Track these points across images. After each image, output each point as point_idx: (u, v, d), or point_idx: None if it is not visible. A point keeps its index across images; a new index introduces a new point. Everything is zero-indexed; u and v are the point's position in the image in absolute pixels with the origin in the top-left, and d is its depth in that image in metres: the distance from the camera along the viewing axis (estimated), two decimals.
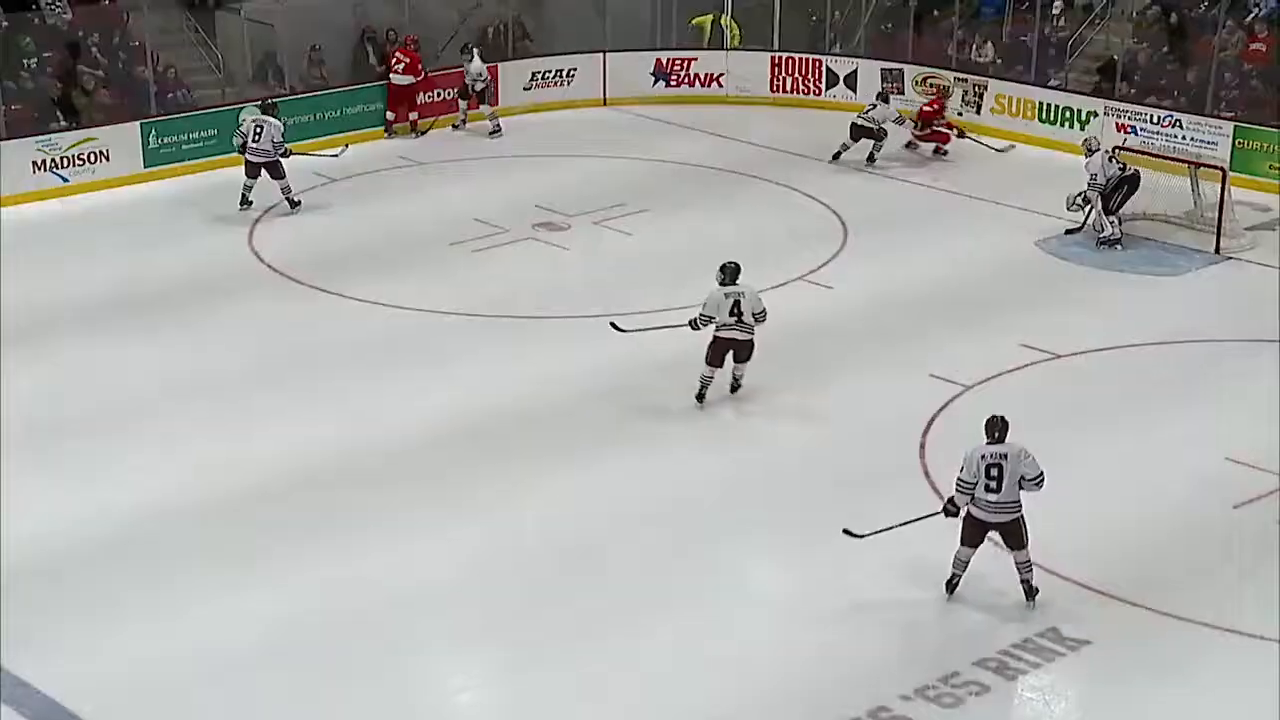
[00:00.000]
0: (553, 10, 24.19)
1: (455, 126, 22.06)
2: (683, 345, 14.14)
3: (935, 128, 20.72)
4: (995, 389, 13.70)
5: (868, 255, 17.29)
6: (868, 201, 19.04)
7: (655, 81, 23.65)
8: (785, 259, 16.86)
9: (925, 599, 10.61)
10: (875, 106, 20.50)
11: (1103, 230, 17.34)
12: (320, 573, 10.93)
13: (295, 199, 18.61)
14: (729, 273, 13.36)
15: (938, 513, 10.59)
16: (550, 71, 23.34)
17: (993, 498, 10.32)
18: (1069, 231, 17.65)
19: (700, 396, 13.53)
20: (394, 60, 21.48)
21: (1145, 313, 15.69)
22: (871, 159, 20.34)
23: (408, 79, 21.50)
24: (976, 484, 10.32)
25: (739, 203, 19.20)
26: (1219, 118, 19.95)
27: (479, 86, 21.88)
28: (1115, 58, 21.55)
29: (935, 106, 21.00)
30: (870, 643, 10.17)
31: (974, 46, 22.79)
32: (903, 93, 22.51)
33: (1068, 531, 11.42)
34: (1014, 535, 10.43)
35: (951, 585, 10.65)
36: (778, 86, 23.51)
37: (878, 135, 20.29)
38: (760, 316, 13.31)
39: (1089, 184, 17.50)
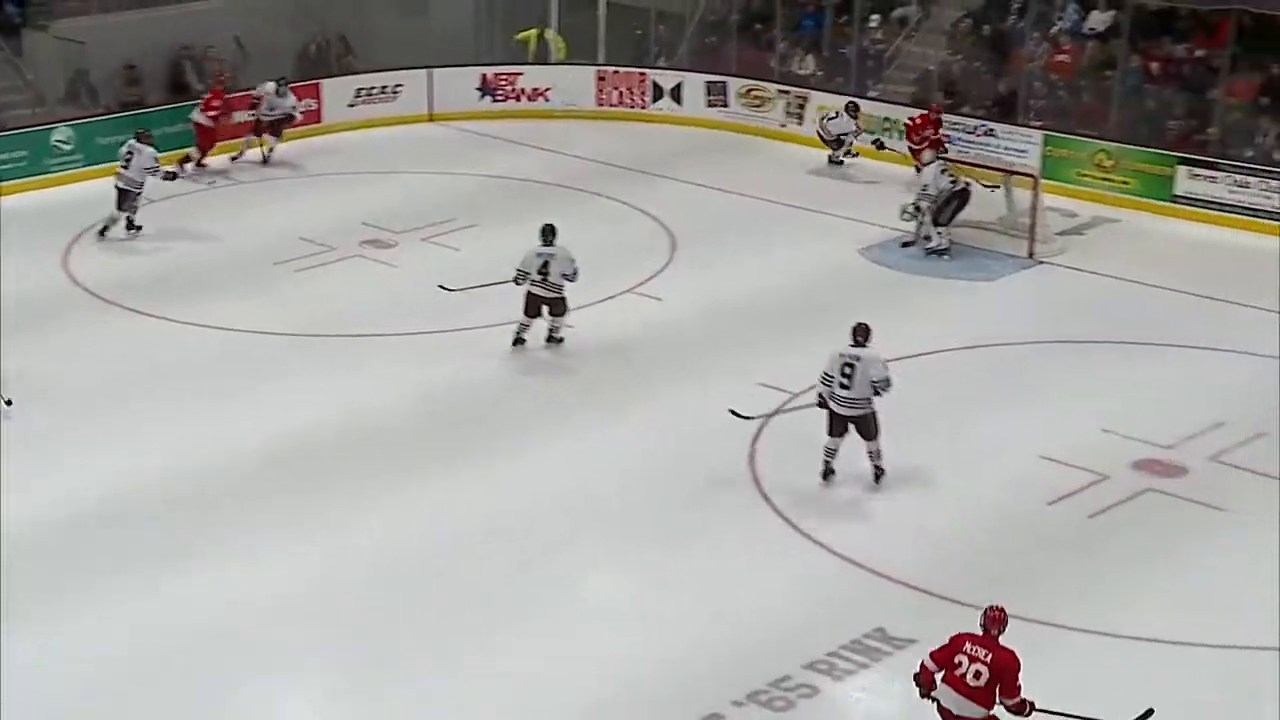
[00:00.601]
0: (376, 26, 24.03)
1: (234, 158, 21.28)
2: (517, 364, 14.22)
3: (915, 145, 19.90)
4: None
5: (696, 266, 17.49)
6: (696, 213, 19.27)
7: (481, 96, 23.64)
8: (615, 272, 16.97)
9: (754, 604, 10.76)
10: (837, 116, 20.82)
11: (930, 240, 17.76)
12: (153, 600, 10.73)
13: (137, 224, 18.14)
14: (545, 234, 14.59)
15: (804, 406, 12.26)
16: (375, 87, 23.18)
17: (845, 394, 11.85)
18: (905, 244, 17.86)
19: (516, 342, 14.68)
20: (209, 100, 20.76)
21: (963, 317, 16.13)
22: (835, 161, 20.86)
23: (208, 121, 20.75)
24: (834, 379, 11.80)
25: (567, 216, 19.01)
26: (1030, 127, 20.61)
27: (273, 118, 21.18)
28: (930, 69, 22.14)
29: (922, 122, 20.07)
30: (701, 650, 10.27)
31: (795, 59, 23.23)
32: (726, 105, 22.85)
33: (890, 533, 11.70)
34: (865, 428, 11.98)
35: (826, 474, 12.18)
36: (604, 100, 23.67)
37: (834, 145, 20.77)
38: (570, 277, 14.40)
39: (920, 194, 17.90)
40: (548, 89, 23.73)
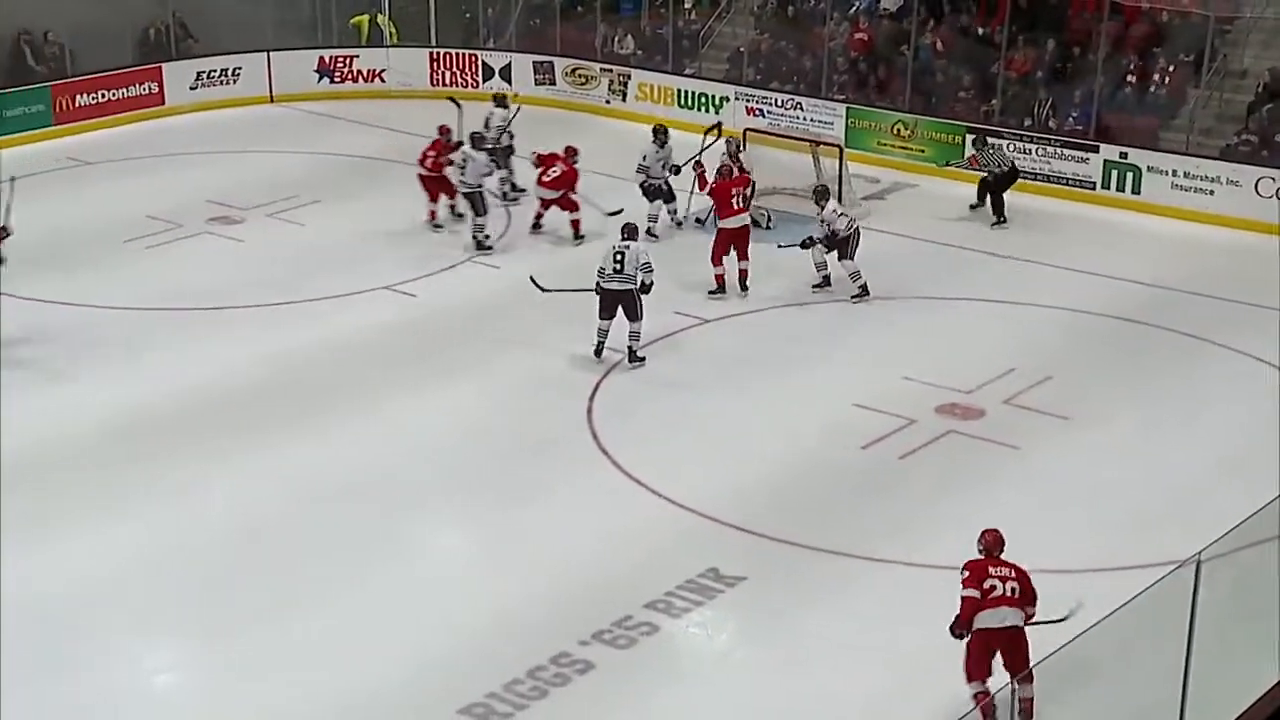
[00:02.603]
0: (215, 10, 23.28)
1: None
2: (364, 332, 13.97)
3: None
4: (652, 352, 14.00)
5: (533, 238, 17.37)
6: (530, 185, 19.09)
7: (320, 78, 23.11)
8: (453, 241, 16.79)
9: (596, 551, 10.77)
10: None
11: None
12: (60, 549, 10.50)
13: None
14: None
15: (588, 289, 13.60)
16: (215, 71, 22.51)
17: (615, 277, 13.51)
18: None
19: (597, 351, 13.71)
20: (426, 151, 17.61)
21: (778, 278, 16.08)
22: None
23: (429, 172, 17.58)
24: (606, 266, 13.51)
25: (407, 191, 18.88)
26: (834, 100, 20.87)
27: None
28: (741, 49, 22.27)
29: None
30: (547, 596, 10.24)
31: (616, 39, 23.16)
32: (554, 83, 22.71)
33: (718, 478, 11.79)
34: (630, 307, 13.56)
35: (598, 350, 13.64)
36: (438, 80, 23.32)
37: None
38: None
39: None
40: (383, 70, 23.31)
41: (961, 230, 17.71)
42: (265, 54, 22.77)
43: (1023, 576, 8.83)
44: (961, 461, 12.18)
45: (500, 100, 18.98)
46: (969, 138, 18.89)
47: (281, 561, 10.59)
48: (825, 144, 18.77)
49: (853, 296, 15.43)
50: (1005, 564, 8.87)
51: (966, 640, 8.76)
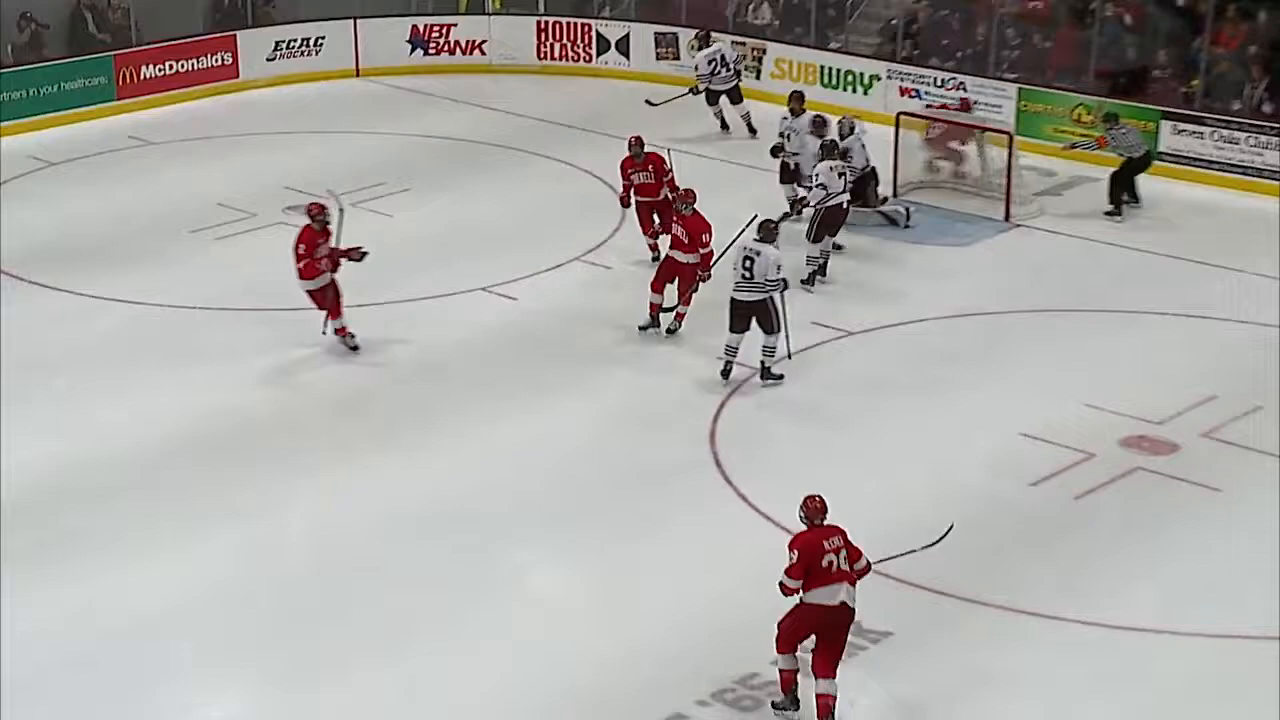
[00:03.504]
0: None
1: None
2: (457, 338, 14.10)
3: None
4: (785, 368, 13.92)
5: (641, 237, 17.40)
6: None
7: (412, 50, 23.44)
8: (560, 238, 16.89)
9: (719, 596, 10.72)
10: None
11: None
12: (53, 599, 10.60)
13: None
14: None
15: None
16: (295, 40, 22.93)
17: (744, 286, 13.41)
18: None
19: (724, 371, 13.72)
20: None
21: (935, 285, 16.11)
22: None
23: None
24: (736, 270, 13.42)
25: (507, 179, 19.14)
26: (1003, 80, 20.64)
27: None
28: (895, 19, 22.12)
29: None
30: (662, 645, 10.24)
31: (750, 8, 23.13)
32: (677, 58, 22.75)
33: (859, 517, 11.55)
34: (765, 319, 13.43)
35: (725, 372, 13.58)
36: (545, 53, 23.52)
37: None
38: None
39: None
40: (483, 41, 23.55)
41: (1155, 232, 17.42)
42: (351, 21, 23.14)
43: (847, 541, 9.49)
44: (1150, 504, 11.95)
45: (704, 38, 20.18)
46: (1163, 124, 18.59)
47: (363, 596, 10.72)
48: (992, 130, 18.59)
49: (802, 281, 15.54)
50: (832, 531, 9.48)
51: (792, 609, 9.42)
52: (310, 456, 12.55)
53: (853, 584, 9.39)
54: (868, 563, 9.55)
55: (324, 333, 14.18)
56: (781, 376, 13.80)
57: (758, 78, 22.25)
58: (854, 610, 9.39)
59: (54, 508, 11.72)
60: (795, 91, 18.01)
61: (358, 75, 23.20)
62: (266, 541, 11.39)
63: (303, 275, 14.02)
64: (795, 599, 9.41)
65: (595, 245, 16.94)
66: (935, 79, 20.89)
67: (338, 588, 10.82)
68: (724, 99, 20.54)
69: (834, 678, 9.36)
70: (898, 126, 18.64)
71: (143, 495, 11.94)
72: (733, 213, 14.81)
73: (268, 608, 10.61)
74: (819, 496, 9.54)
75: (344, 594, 10.75)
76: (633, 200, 16.32)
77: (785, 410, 13.50)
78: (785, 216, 16.01)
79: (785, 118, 17.57)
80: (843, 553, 9.42)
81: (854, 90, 21.42)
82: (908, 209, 17.78)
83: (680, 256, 14.56)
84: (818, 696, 9.37)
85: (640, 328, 14.70)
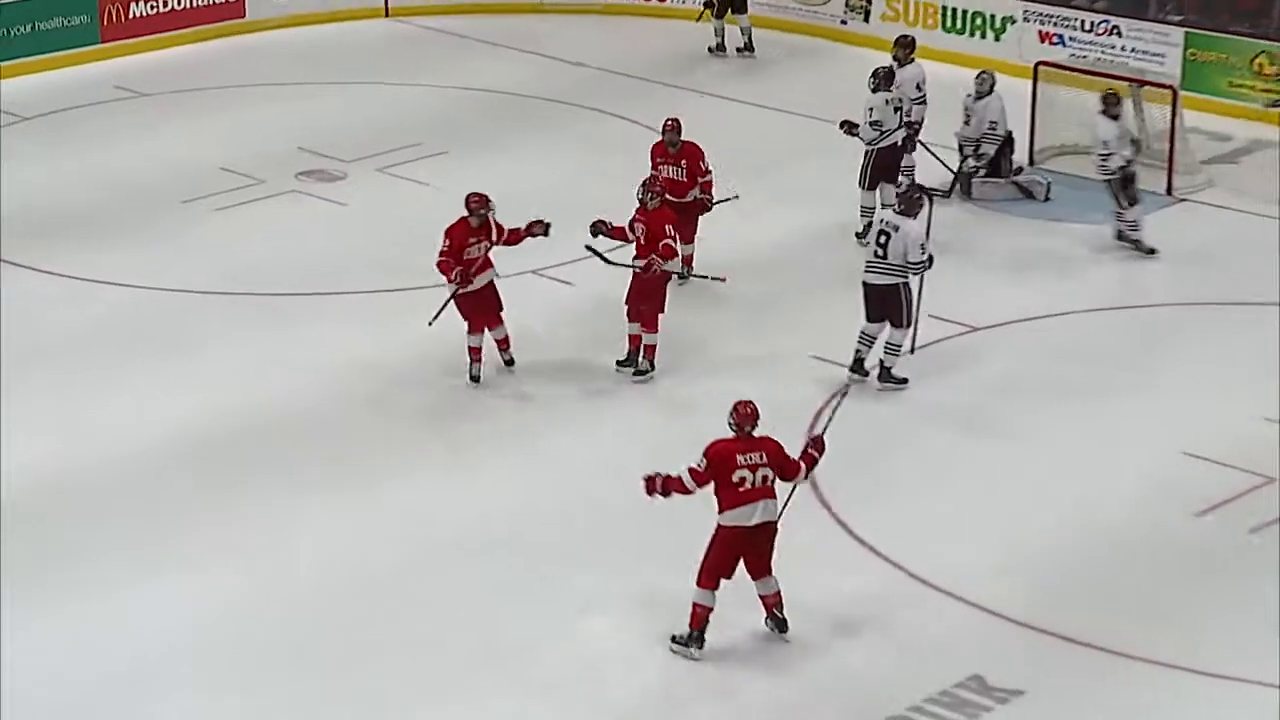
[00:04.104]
0: None
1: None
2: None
3: None
4: (899, 369, 13.89)
5: (733, 207, 17.35)
6: (734, 136, 19.14)
7: None
8: (625, 211, 16.84)
9: (816, 645, 10.71)
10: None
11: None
12: (40, 628, 10.75)
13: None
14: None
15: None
16: None
17: (876, 266, 13.50)
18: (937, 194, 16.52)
19: (854, 366, 13.82)
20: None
21: (1080, 271, 16.02)
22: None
23: None
24: (870, 247, 13.63)
25: (562, 140, 19.19)
26: (1166, 23, 20.47)
27: None
28: None
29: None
30: (749, 701, 10.24)
31: None
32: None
33: (989, 552, 11.64)
34: (896, 309, 13.51)
35: (856, 364, 13.69)
36: None
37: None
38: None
39: (986, 134, 17.38)
40: None
41: None
42: None
43: (776, 456, 10.27)
44: None
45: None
46: None
47: (389, 631, 10.77)
48: (1152, 85, 18.46)
49: (857, 234, 16.20)
50: (758, 444, 10.26)
51: (711, 537, 10.29)
52: (326, 468, 12.63)
53: (772, 497, 10.29)
54: (801, 468, 10.52)
55: (430, 323, 13.78)
56: (905, 381, 13.79)
57: (866, 20, 22.18)
58: (774, 524, 10.35)
59: (34, 525, 11.84)
60: (903, 36, 17.86)
61: (386, 15, 23.33)
62: (271, 568, 11.45)
63: (442, 270, 13.68)
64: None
65: None
66: (1082, 21, 20.76)
67: (351, 621, 10.87)
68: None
69: (770, 575, 10.47)
70: (1036, 79, 18.53)
71: (133, 513, 12.04)
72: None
73: (270, 644, 10.68)
74: (751, 403, 10.40)
75: (358, 629, 10.80)
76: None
77: (897, 421, 13.48)
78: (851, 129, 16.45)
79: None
80: (762, 471, 10.21)
81: (982, 35, 21.32)
82: (1047, 181, 17.67)
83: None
84: (761, 598, 10.51)
85: (618, 363, 14.14)
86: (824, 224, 16.99)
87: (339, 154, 18.64)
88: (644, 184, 14.31)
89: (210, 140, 19.01)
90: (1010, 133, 17.50)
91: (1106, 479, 12.54)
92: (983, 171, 17.48)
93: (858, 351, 13.80)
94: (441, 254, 13.60)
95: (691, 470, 10.33)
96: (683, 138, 15.47)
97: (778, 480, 10.34)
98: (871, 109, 16.31)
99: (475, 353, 13.85)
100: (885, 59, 17.95)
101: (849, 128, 16.60)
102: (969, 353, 14.53)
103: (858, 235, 16.26)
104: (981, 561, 11.50)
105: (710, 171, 15.45)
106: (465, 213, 13.71)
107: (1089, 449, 12.95)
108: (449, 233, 13.66)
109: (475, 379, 13.80)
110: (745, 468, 10.18)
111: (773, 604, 10.52)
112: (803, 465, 10.52)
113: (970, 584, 11.19)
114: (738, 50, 21.92)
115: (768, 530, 10.34)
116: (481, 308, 13.83)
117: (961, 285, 15.43)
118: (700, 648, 10.40)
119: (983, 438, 13.16)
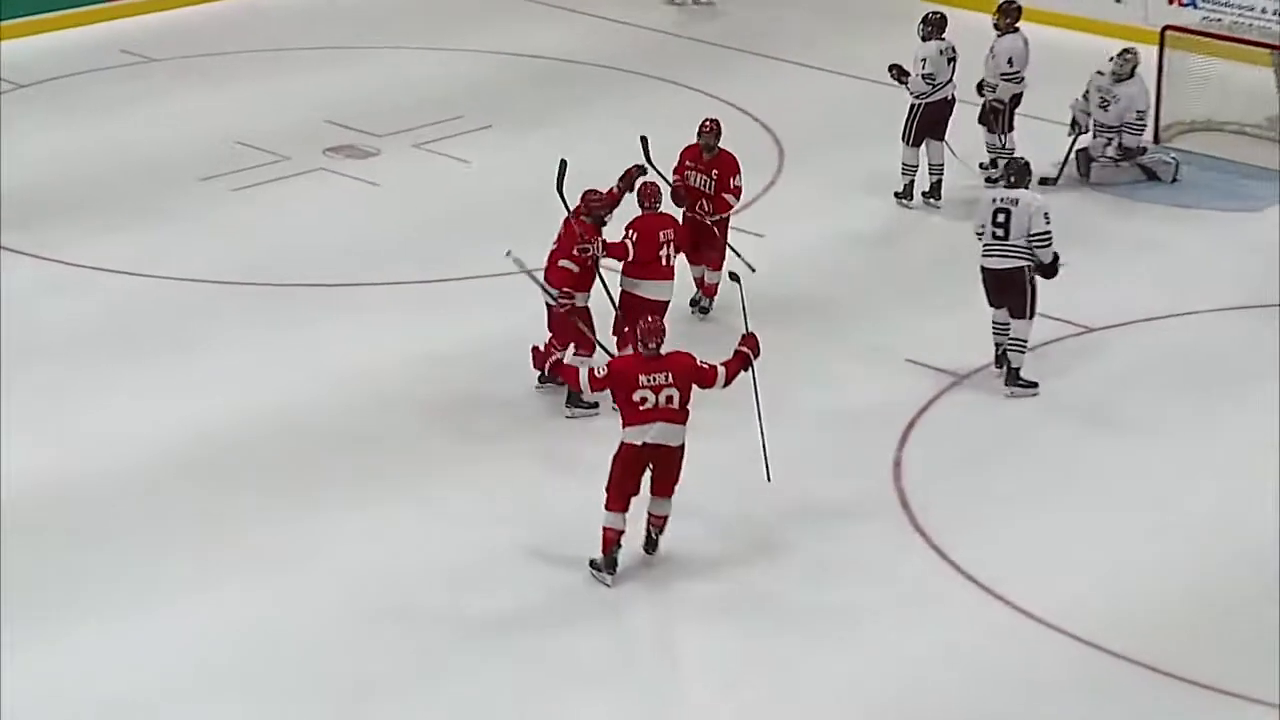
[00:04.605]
0: None
1: None
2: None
3: None
4: (999, 381, 13.92)
5: (814, 189, 17.42)
6: (815, 109, 19.17)
7: None
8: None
9: (910, 686, 10.71)
10: None
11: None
12: (36, 652, 10.82)
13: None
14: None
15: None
16: None
17: (996, 248, 13.69)
18: (1043, 181, 16.95)
19: (999, 359, 13.98)
20: None
21: (1211, 265, 16.00)
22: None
23: None
24: (985, 230, 13.74)
25: (623, 114, 19.14)
26: None
27: None
28: None
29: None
30: None
31: None
32: None
33: (1104, 581, 11.63)
34: (1018, 297, 13.67)
35: (1000, 358, 13.93)
36: None
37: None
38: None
39: (1128, 123, 17.41)
40: None
41: None
42: None
43: (685, 372, 11.31)
44: None
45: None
46: None
47: (430, 665, 10.78)
48: None
49: (896, 194, 16.99)
50: (664, 362, 11.32)
51: (613, 455, 11.35)
52: (354, 480, 12.68)
53: (677, 421, 11.31)
54: (727, 374, 11.55)
55: (537, 384, 13.62)
56: (1035, 385, 13.83)
57: None
58: (675, 447, 11.36)
59: (27, 541, 11.89)
60: (1009, 2, 17.51)
61: None
62: (291, 594, 11.50)
63: (548, 278, 13.44)
64: None
65: (742, 205, 16.92)
66: None
67: (386, 653, 10.90)
68: None
69: (668, 497, 11.53)
70: (1163, 46, 18.48)
71: (135, 529, 12.11)
72: None
73: (294, 672, 10.75)
74: (658, 319, 11.71)
75: (393, 662, 10.82)
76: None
77: (1000, 429, 13.49)
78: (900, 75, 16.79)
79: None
80: (666, 392, 11.24)
81: None
82: (1175, 160, 17.64)
83: (656, 292, 13.68)
84: (649, 514, 11.59)
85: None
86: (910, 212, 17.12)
87: (371, 128, 18.73)
88: (640, 190, 13.84)
89: (227, 112, 19.14)
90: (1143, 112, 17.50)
91: (1242, 502, 12.46)
92: (1115, 160, 17.47)
93: (998, 345, 13.97)
94: (551, 254, 13.37)
95: (591, 373, 11.60)
96: (721, 144, 14.92)
97: (691, 398, 11.36)
98: (924, 60, 16.57)
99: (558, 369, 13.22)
100: (981, 20, 17.89)
101: (898, 73, 16.85)
102: (1084, 355, 14.53)
103: (897, 195, 17.03)
104: (1095, 592, 11.48)
105: (740, 190, 14.94)
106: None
107: (1221, 467, 12.89)
108: (569, 228, 13.41)
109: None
110: (647, 388, 11.26)
111: (656, 525, 11.64)
112: (721, 370, 11.51)
113: (1083, 618, 11.16)
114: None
115: (669, 453, 11.39)
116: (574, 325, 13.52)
117: (1077, 282, 15.36)
118: (612, 572, 11.44)
119: (1096, 450, 13.14)
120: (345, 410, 13.63)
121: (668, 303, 13.62)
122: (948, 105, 16.83)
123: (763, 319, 14.68)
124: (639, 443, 11.33)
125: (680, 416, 11.37)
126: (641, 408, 11.25)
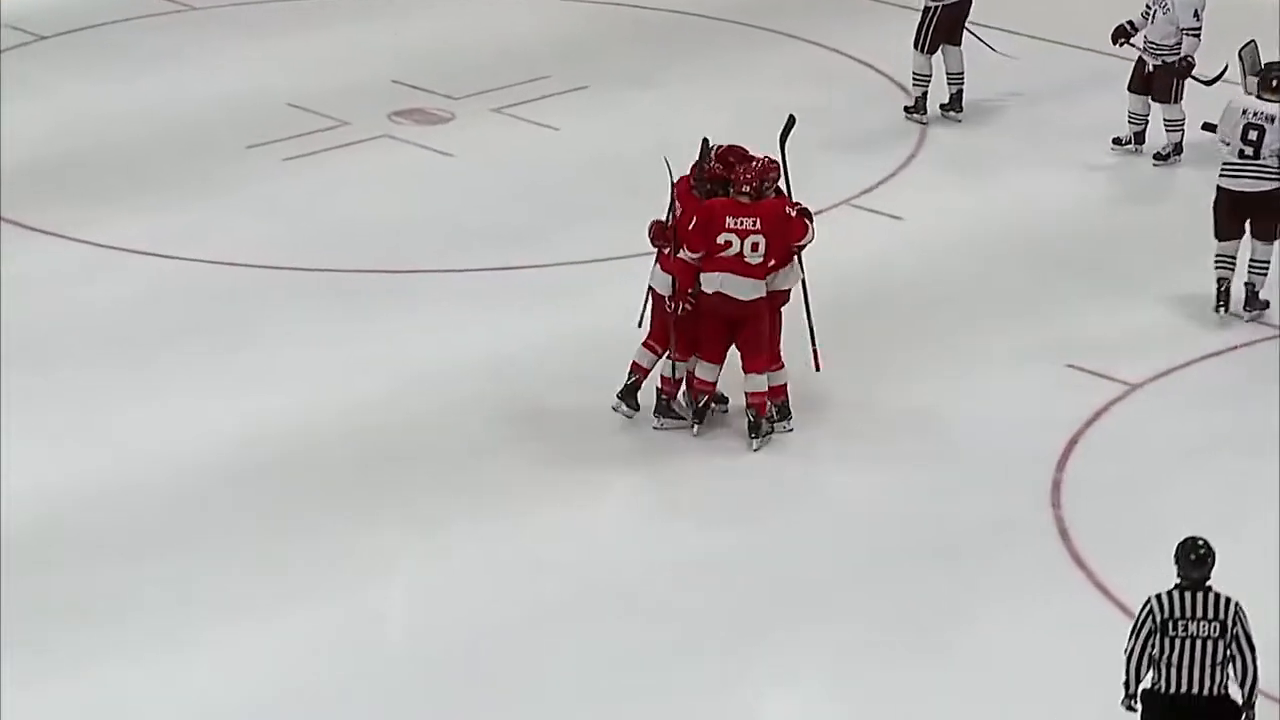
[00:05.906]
0: None
1: None
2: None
3: None
4: (1180, 389, 14.02)
5: (959, 165, 17.47)
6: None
7: None
8: (822, 170, 16.90)
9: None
10: None
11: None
12: (52, 692, 10.98)
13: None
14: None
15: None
16: None
17: (1245, 166, 14.29)
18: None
19: (1220, 296, 14.65)
20: None
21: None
22: None
23: None
24: (1231, 149, 14.37)
25: (736, 74, 19.26)
26: None
27: None
28: None
29: None
30: None
31: None
32: None
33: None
34: (1268, 223, 14.26)
35: (1221, 295, 14.52)
36: None
37: None
38: None
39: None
40: None
41: None
42: None
43: (774, 220, 12.17)
44: None
45: None
46: None
47: (508, 699, 10.97)
48: None
49: (906, 108, 17.99)
50: (754, 209, 12.16)
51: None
52: (425, 495, 12.81)
53: (758, 277, 12.23)
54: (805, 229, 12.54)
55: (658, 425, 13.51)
56: (1266, 305, 14.76)
57: None
58: (752, 305, 12.32)
59: (45, 564, 12.05)
60: None
61: None
62: (357, 618, 11.68)
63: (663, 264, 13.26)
64: None
65: (876, 182, 17.04)
66: None
67: (456, 688, 11.08)
68: None
69: (760, 372, 12.49)
70: None
71: (171, 550, 12.25)
72: None
73: (356, 712, 10.94)
74: (754, 166, 12.46)
75: (464, 696, 11.01)
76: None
77: (1176, 442, 13.54)
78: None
79: None
80: (751, 239, 12.14)
81: None
82: None
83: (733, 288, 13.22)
84: (746, 394, 12.64)
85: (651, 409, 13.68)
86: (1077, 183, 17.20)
87: (444, 89, 18.90)
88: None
89: (277, 69, 19.36)
90: None
91: None
92: None
93: (1221, 281, 14.51)
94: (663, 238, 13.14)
95: (683, 237, 12.43)
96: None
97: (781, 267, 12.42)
98: None
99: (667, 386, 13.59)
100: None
101: None
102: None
103: (907, 109, 18.15)
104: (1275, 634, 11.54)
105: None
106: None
107: None
108: (686, 206, 13.09)
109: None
110: (733, 231, 12.18)
111: (757, 403, 12.58)
112: (808, 224, 12.51)
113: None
114: None
115: (745, 313, 12.36)
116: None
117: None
118: (633, 409, 13.05)
119: None
120: (416, 415, 13.71)
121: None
122: (965, 5, 17.55)
123: (899, 315, 14.93)
124: (710, 291, 12.30)
125: (757, 271, 12.27)
126: (722, 253, 12.20)
